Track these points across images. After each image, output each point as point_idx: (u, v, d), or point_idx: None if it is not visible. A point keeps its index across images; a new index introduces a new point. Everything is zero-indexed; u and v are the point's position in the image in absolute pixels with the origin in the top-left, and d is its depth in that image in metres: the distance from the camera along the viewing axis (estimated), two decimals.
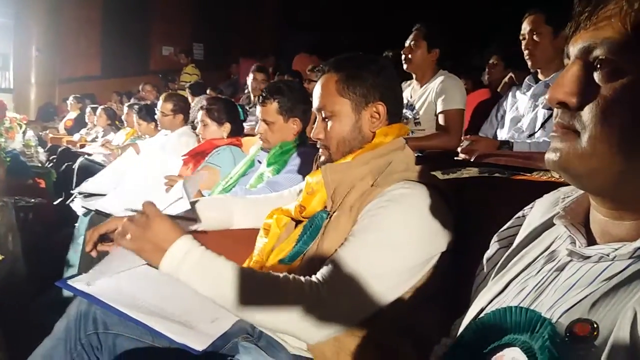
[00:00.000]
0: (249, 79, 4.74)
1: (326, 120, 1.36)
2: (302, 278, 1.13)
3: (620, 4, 0.59)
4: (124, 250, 1.16)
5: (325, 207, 1.32)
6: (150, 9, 11.67)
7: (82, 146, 5.62)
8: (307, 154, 2.09)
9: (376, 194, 1.21)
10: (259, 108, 2.23)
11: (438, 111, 2.78)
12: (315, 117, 1.42)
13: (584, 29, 0.63)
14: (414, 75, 2.97)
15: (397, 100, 1.40)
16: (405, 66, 2.90)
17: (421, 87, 2.92)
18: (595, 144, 0.60)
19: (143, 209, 1.15)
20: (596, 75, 0.61)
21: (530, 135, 2.31)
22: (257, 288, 1.11)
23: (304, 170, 2.04)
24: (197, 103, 4.36)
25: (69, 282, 1.25)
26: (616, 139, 0.59)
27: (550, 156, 0.65)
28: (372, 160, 1.30)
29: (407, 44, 2.90)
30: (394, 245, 1.16)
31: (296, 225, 1.42)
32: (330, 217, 1.28)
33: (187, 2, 11.80)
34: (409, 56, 2.87)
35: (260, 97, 2.20)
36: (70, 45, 10.75)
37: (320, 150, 1.42)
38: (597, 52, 0.60)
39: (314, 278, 1.13)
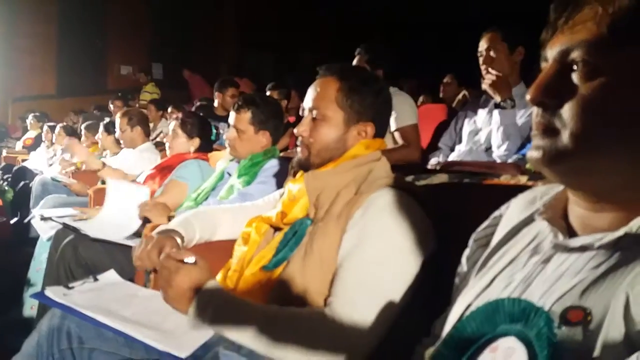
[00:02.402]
0: None
1: (315, 120, 1.37)
2: (319, 311, 1.15)
3: (595, 8, 0.62)
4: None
5: (308, 214, 1.32)
6: (107, 28, 11.50)
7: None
8: (278, 166, 2.11)
9: (362, 201, 1.23)
10: (232, 114, 2.25)
11: (393, 129, 2.82)
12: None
13: (560, 32, 0.66)
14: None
15: (386, 123, 1.44)
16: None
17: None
18: (575, 140, 0.63)
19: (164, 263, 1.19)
20: (574, 76, 0.64)
21: (488, 149, 2.38)
22: (282, 327, 1.12)
23: (275, 181, 2.06)
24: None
25: (46, 292, 1.23)
26: (595, 135, 0.62)
27: (533, 154, 0.68)
28: (354, 168, 1.32)
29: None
30: (391, 256, 1.18)
31: (275, 233, 1.42)
32: (313, 224, 1.29)
33: (144, 21, 11.68)
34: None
35: (236, 104, 2.23)
36: (24, 62, 10.46)
37: (299, 148, 1.41)
38: (575, 54, 0.64)
39: (327, 309, 1.15)
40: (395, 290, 1.16)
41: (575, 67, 0.64)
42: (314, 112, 1.37)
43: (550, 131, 0.66)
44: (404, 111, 2.82)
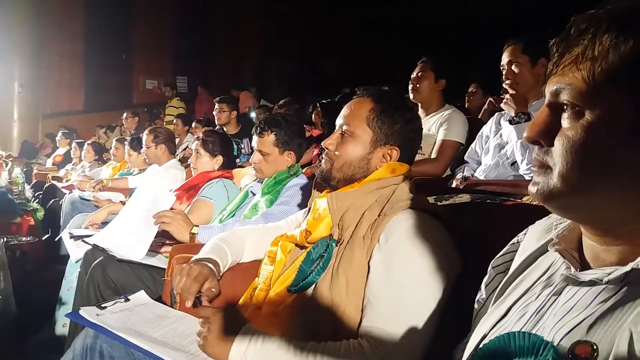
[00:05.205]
0: None
1: (343, 135, 1.42)
2: (356, 345, 1.15)
3: (578, 51, 0.64)
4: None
5: (331, 234, 1.34)
6: (132, 43, 11.75)
7: (68, 182, 5.59)
8: (300, 184, 2.15)
9: (385, 223, 1.25)
10: (255, 138, 2.28)
11: (438, 139, 2.84)
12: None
13: (555, 72, 0.68)
14: (419, 105, 3.05)
15: (412, 151, 1.46)
16: (412, 96, 2.99)
17: (426, 116, 2.99)
18: (562, 179, 0.66)
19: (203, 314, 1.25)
20: (564, 116, 0.66)
21: (514, 163, 2.37)
22: None
23: (297, 200, 2.09)
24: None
25: (80, 312, 1.27)
26: (580, 175, 0.64)
27: (531, 189, 0.71)
28: (376, 190, 1.34)
29: (414, 74, 3.01)
30: (422, 281, 1.18)
31: (300, 251, 1.44)
32: (338, 245, 1.31)
33: (169, 35, 11.90)
34: (417, 86, 2.97)
35: (258, 128, 2.25)
36: (53, 80, 10.73)
37: (323, 160, 1.46)
38: (563, 96, 0.66)
39: (364, 342, 1.15)
40: (431, 315, 1.16)
41: (564, 107, 0.66)
42: (344, 127, 1.42)
43: (545, 168, 0.69)
44: (455, 126, 2.86)
